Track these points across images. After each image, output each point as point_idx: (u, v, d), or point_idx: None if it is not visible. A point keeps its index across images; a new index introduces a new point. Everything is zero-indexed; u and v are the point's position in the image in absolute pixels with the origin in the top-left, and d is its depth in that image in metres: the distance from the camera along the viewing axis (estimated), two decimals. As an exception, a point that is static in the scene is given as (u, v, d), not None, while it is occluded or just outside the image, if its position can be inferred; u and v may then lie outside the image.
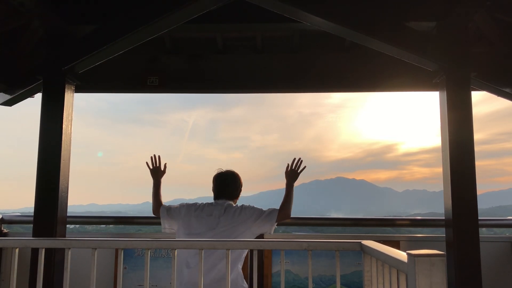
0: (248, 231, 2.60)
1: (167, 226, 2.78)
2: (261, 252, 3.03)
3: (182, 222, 2.66)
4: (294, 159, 2.90)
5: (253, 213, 2.66)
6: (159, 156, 2.99)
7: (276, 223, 2.72)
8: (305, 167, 2.88)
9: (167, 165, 3.05)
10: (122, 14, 2.70)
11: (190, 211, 2.69)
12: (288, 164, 2.90)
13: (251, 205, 2.75)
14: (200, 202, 2.76)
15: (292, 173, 2.88)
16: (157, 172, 2.99)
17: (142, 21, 2.64)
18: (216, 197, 2.78)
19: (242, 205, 2.75)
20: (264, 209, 2.73)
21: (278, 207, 2.76)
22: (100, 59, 2.80)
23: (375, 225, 3.85)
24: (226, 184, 2.80)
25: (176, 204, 2.84)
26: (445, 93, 2.69)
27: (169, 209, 2.80)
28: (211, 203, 2.73)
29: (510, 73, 3.16)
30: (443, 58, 2.71)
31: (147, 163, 3.00)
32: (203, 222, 2.60)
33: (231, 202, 2.75)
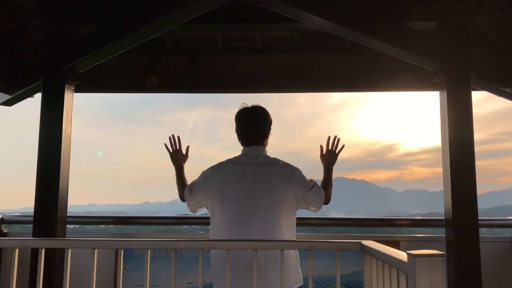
0: (294, 204, 2.15)
1: (194, 207, 2.30)
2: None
3: (212, 195, 2.18)
4: (329, 137, 2.41)
5: (299, 182, 2.14)
6: (178, 137, 2.48)
7: None
8: (343, 146, 2.41)
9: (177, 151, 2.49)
10: (122, 14, 2.70)
11: (215, 179, 2.17)
12: (321, 146, 2.41)
13: (292, 166, 2.18)
14: (225, 161, 2.23)
15: (331, 155, 2.38)
16: (177, 155, 2.46)
17: (142, 21, 2.64)
18: (244, 142, 2.25)
19: (280, 163, 2.18)
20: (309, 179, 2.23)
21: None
22: (100, 59, 2.80)
23: (375, 225, 3.86)
24: (255, 122, 2.24)
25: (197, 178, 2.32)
26: (445, 93, 2.69)
27: (191, 186, 2.28)
28: (240, 159, 2.19)
29: (510, 73, 3.16)
30: (443, 58, 2.71)
31: (165, 145, 2.49)
32: (237, 188, 2.10)
33: (264, 151, 2.23)
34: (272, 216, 2.08)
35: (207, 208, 2.28)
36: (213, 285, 2.18)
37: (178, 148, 2.48)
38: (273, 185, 2.10)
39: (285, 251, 1.78)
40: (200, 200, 2.27)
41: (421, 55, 2.72)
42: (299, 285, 2.15)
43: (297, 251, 2.17)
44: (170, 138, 2.49)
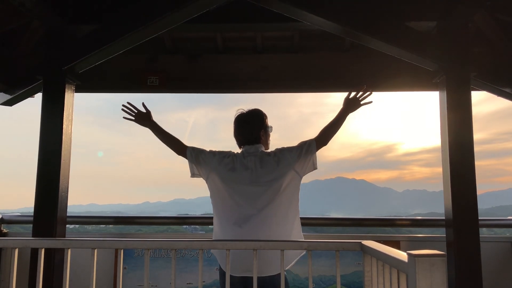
0: (296, 176, 2.30)
1: (196, 172, 2.40)
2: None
3: (215, 172, 2.32)
4: (364, 87, 2.42)
5: (293, 155, 2.30)
6: (128, 103, 2.51)
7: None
8: (371, 102, 2.44)
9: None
10: (122, 14, 2.70)
11: (223, 160, 2.32)
12: (350, 91, 2.45)
13: (277, 148, 2.37)
14: (228, 151, 2.38)
15: (353, 101, 2.41)
16: (141, 117, 2.50)
17: (142, 21, 2.64)
18: (241, 143, 2.41)
19: (276, 151, 2.35)
20: (296, 145, 2.36)
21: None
22: (100, 59, 2.80)
23: (375, 225, 3.86)
24: (247, 125, 2.39)
25: (203, 148, 2.44)
26: (445, 93, 2.69)
27: (198, 154, 2.38)
28: (242, 154, 2.35)
29: (510, 73, 3.16)
30: (443, 58, 2.71)
31: (125, 118, 2.52)
32: (241, 177, 2.26)
33: (261, 147, 2.37)
34: (274, 200, 2.22)
35: (206, 182, 2.39)
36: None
37: (137, 111, 2.52)
38: (271, 172, 2.26)
39: (289, 223, 2.06)
40: (201, 171, 2.39)
41: (421, 55, 2.72)
42: (304, 253, 2.23)
43: (300, 223, 2.34)
44: (124, 109, 2.52)
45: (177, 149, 2.45)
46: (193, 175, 2.42)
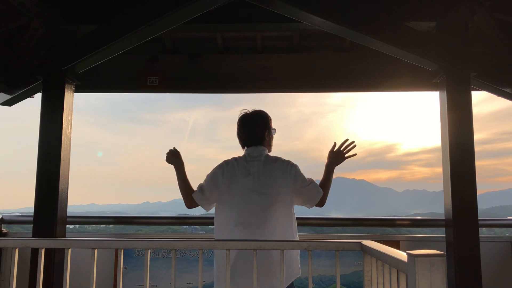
0: (291, 198, 2.27)
1: (209, 204, 2.36)
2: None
3: (221, 190, 2.29)
4: (347, 140, 2.44)
5: (297, 177, 2.26)
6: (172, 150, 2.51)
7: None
8: (355, 154, 2.44)
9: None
10: (122, 14, 2.70)
11: (224, 170, 2.30)
12: (335, 143, 2.45)
13: (291, 162, 2.31)
14: (230, 159, 2.36)
15: (338, 155, 2.43)
16: (173, 154, 2.47)
17: (142, 21, 2.64)
18: (245, 144, 2.40)
19: (288, 161, 2.32)
20: (306, 177, 2.32)
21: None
22: (100, 59, 2.80)
23: (375, 225, 3.86)
24: (252, 126, 2.37)
25: (203, 182, 2.38)
26: (445, 93, 2.70)
27: (202, 188, 2.35)
28: (244, 158, 2.33)
29: (510, 73, 3.16)
30: (443, 58, 2.71)
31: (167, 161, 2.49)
32: (242, 183, 2.25)
33: (265, 150, 2.36)
34: (274, 209, 2.20)
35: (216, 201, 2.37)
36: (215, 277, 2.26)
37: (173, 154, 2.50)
38: (274, 180, 2.24)
39: (288, 231, 2.07)
40: (214, 199, 2.34)
41: (421, 55, 2.72)
42: (298, 276, 2.24)
43: (296, 230, 2.33)
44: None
45: (188, 201, 2.39)
46: (208, 210, 2.38)
